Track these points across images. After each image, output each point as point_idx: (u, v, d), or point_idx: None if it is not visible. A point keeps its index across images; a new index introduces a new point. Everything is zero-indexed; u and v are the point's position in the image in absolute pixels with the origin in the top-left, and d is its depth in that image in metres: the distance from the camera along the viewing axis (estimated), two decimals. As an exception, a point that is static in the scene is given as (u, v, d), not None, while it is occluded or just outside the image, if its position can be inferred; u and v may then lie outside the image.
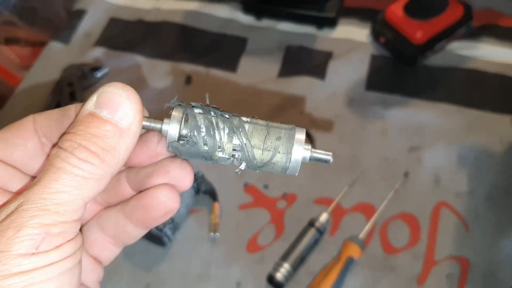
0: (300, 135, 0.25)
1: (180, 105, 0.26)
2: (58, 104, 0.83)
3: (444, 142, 0.79)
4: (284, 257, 0.67)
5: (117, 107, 0.24)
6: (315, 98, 0.86)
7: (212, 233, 0.70)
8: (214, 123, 0.25)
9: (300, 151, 0.24)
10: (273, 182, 0.76)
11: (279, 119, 0.81)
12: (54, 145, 0.27)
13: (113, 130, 0.23)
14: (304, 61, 0.91)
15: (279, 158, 0.25)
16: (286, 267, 0.66)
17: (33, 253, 0.22)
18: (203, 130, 0.25)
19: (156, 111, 0.84)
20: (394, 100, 0.84)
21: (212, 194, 0.73)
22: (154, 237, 0.67)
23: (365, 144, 0.80)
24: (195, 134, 0.25)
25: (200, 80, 0.88)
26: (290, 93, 0.86)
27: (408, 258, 0.69)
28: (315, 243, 0.69)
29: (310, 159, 0.26)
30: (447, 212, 0.73)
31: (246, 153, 0.25)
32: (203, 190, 0.73)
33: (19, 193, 0.24)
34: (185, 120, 0.25)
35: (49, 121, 0.27)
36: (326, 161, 0.26)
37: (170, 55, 0.92)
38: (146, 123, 0.26)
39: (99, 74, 0.86)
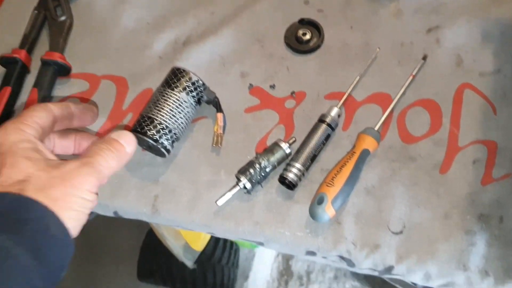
0: None
1: None
2: (45, 18, 0.77)
3: (465, 19, 0.71)
4: (295, 157, 0.63)
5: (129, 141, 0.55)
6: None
7: (214, 145, 0.66)
8: None
9: None
10: (280, 81, 0.71)
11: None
12: None
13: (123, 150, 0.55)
14: None
15: None
16: (297, 166, 0.62)
17: None
18: None
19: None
20: (408, -23, 0.75)
21: (215, 104, 0.68)
22: (153, 149, 0.64)
23: (378, 30, 0.72)
24: None
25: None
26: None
27: (430, 146, 0.64)
28: (326, 139, 0.64)
29: None
30: (472, 94, 0.66)
31: None
32: (205, 100, 0.68)
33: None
34: None
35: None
36: None
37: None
38: None
39: (84, -17, 0.79)
